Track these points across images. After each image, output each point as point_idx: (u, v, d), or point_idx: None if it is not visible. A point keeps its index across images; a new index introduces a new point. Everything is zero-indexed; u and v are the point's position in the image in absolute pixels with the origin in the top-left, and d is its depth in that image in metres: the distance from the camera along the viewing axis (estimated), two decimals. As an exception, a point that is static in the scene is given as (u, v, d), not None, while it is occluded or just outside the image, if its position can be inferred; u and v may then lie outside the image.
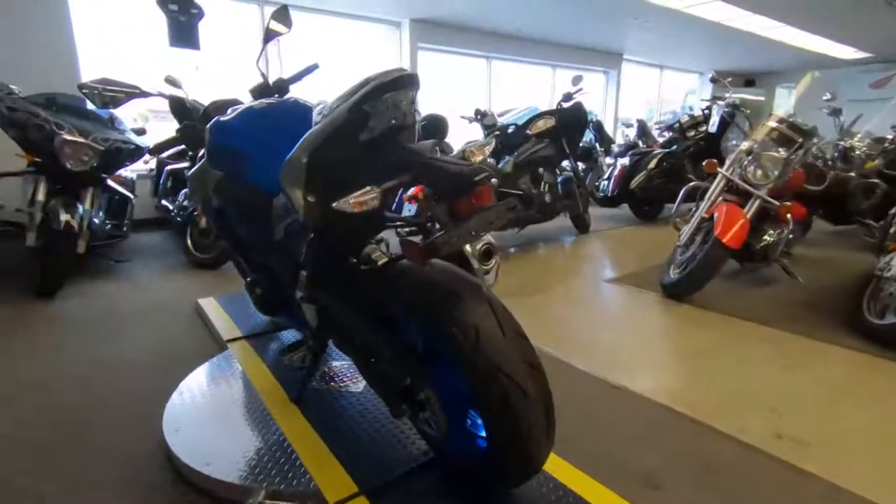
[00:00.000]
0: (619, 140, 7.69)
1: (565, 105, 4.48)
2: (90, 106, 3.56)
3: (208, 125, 1.57)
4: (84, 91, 1.87)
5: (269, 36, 1.78)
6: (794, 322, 2.42)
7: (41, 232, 2.86)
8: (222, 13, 5.78)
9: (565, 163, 4.67)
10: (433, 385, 1.05)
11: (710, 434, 1.52)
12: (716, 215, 2.64)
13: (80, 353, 2.10)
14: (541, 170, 4.25)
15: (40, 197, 2.95)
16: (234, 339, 2.03)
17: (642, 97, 11.01)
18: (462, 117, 5.29)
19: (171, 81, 3.65)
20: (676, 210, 3.10)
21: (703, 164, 2.81)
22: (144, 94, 1.95)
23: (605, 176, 5.67)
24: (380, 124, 0.90)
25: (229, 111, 1.55)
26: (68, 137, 2.99)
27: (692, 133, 5.75)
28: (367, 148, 0.92)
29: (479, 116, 5.03)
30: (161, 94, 2.41)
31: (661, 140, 6.35)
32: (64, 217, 2.89)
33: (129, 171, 3.96)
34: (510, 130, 4.74)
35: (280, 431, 1.42)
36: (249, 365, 1.82)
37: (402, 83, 0.89)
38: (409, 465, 1.28)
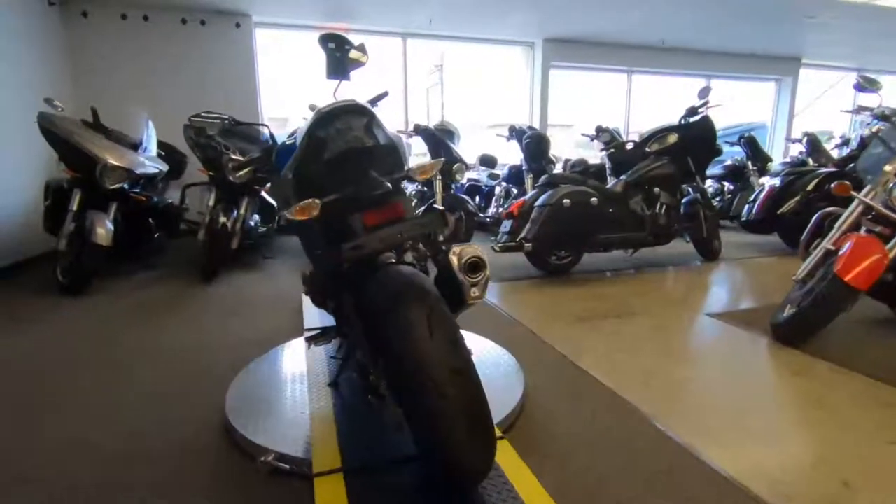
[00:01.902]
0: (786, 157, 6.65)
1: (690, 120, 4.10)
2: (259, 131, 4.42)
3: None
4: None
5: (346, 71, 2.07)
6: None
7: (207, 230, 3.65)
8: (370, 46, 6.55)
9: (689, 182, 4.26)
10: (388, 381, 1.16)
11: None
12: (843, 248, 2.21)
13: (211, 325, 2.66)
14: (656, 189, 3.95)
15: (210, 202, 3.76)
16: (310, 329, 2.36)
17: (834, 106, 9.28)
18: (583, 134, 5.19)
19: (312, 108, 4.32)
20: (805, 241, 2.64)
21: (832, 186, 2.36)
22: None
23: (751, 198, 4.98)
24: (336, 146, 1.05)
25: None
26: (233, 157, 3.76)
27: (876, 149, 4.73)
28: (330, 166, 1.08)
29: (598, 133, 4.90)
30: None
31: (836, 157, 5.33)
32: (222, 219, 3.66)
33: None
34: (628, 147, 4.52)
35: (308, 410, 1.65)
36: (309, 352, 2.11)
37: (348, 111, 1.03)
38: (395, 455, 1.39)
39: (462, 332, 2.27)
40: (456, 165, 4.64)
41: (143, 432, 1.63)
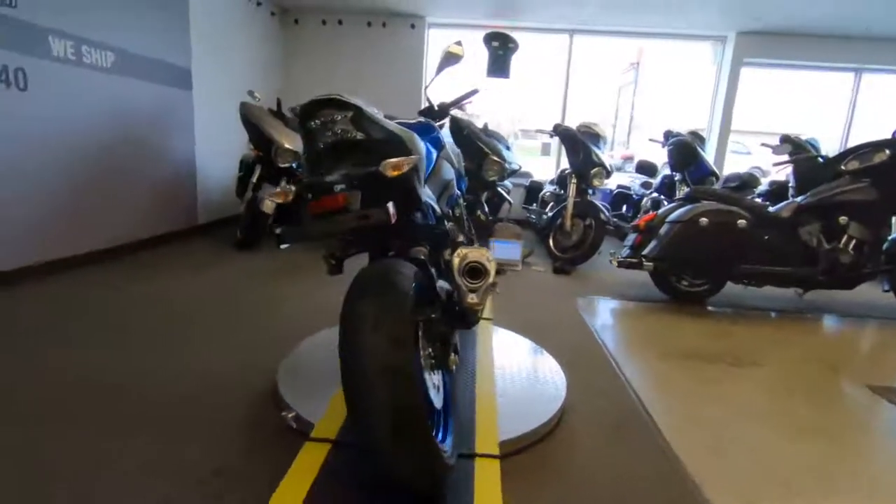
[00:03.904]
0: None
1: (911, 133, 3.13)
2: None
3: None
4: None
5: (443, 65, 2.12)
6: None
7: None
8: (535, 44, 6.48)
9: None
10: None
11: None
12: None
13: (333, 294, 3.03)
14: (843, 219, 3.13)
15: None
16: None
17: None
18: (763, 145, 4.40)
19: (459, 107, 4.52)
20: None
21: None
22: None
23: None
24: (323, 139, 1.10)
25: None
26: (494, 158, 4.22)
27: None
28: (324, 155, 1.15)
29: (781, 143, 4.10)
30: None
31: None
32: (458, 210, 4.16)
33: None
34: (820, 161, 3.68)
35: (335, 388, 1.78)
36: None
37: (328, 105, 1.06)
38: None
39: (511, 335, 2.17)
40: (595, 170, 4.34)
41: (237, 372, 1.97)
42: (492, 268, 1.27)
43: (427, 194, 1.60)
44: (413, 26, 6.10)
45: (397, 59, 6.20)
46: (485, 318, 2.55)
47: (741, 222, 3.04)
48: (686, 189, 4.32)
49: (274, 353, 2.00)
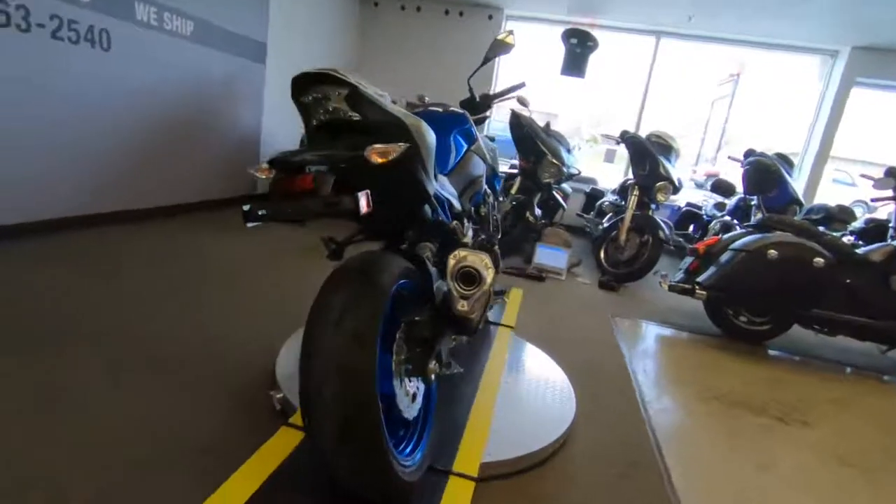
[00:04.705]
0: None
1: None
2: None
3: None
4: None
5: (491, 54, 2.00)
6: None
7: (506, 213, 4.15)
8: (618, 44, 6.13)
9: None
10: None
11: None
12: None
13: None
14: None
15: (513, 191, 4.24)
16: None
17: None
18: (863, 176, 3.92)
19: (521, 101, 4.36)
20: None
21: None
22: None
23: None
24: (316, 116, 1.03)
25: None
26: (552, 159, 4.13)
27: None
28: (318, 134, 1.07)
29: (889, 175, 3.62)
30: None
31: None
32: (506, 207, 4.12)
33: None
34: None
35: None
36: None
37: (321, 81, 0.98)
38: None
39: (530, 348, 2.03)
40: (660, 184, 4.03)
41: (241, 343, 1.99)
42: (489, 276, 1.15)
43: (445, 189, 1.50)
44: (490, 17, 5.96)
45: (471, 50, 6.07)
46: (505, 326, 2.42)
47: (818, 260, 2.67)
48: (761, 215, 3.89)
49: (287, 327, 2.00)
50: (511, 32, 2.00)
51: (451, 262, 1.17)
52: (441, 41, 6.16)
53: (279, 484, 1.20)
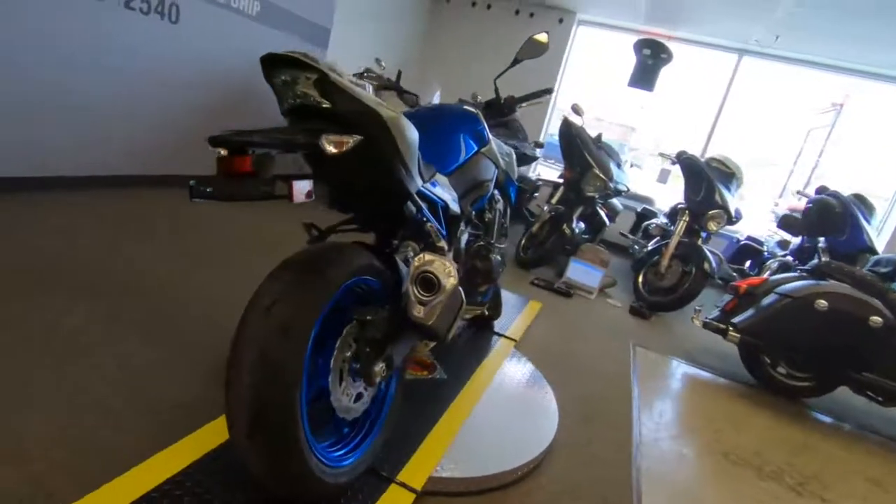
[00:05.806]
0: None
1: None
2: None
3: None
4: None
5: (523, 54, 1.92)
6: None
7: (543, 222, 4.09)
8: (696, 60, 5.77)
9: None
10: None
11: None
12: None
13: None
14: None
15: (553, 200, 4.16)
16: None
17: None
18: None
19: (575, 109, 4.20)
20: None
21: None
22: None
23: None
24: (286, 99, 1.00)
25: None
26: (597, 172, 3.97)
27: None
28: (289, 118, 1.05)
29: None
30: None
31: None
32: (544, 217, 4.06)
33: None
34: None
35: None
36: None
37: (289, 64, 0.94)
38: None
39: (526, 365, 1.94)
40: (714, 212, 3.74)
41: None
42: (448, 285, 1.08)
43: (442, 189, 1.45)
44: (561, 21, 5.78)
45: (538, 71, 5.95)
46: (507, 338, 2.33)
47: (876, 319, 2.36)
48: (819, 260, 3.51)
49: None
50: (547, 32, 1.90)
51: (415, 264, 1.11)
52: (508, 41, 5.99)
53: (217, 462, 1.20)
